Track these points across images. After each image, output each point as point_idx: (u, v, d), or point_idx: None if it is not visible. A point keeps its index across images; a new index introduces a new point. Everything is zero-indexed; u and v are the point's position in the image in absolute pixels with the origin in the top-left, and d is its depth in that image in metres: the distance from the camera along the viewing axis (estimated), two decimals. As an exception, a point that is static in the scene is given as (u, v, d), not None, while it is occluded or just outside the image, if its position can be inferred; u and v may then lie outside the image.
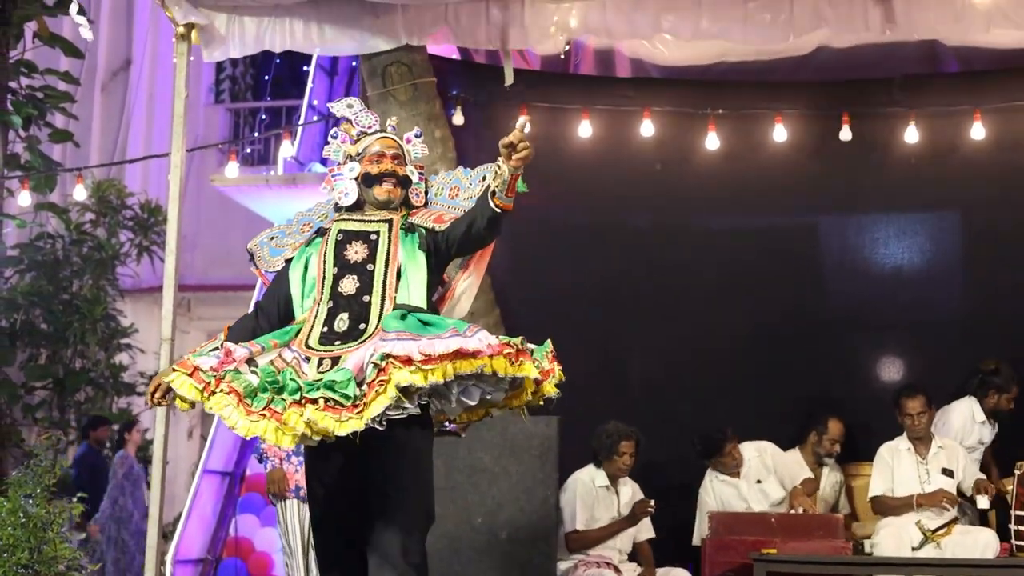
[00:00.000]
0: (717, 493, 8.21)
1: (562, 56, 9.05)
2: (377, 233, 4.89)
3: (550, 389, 4.59)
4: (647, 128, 8.94)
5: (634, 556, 8.08)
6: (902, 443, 8.06)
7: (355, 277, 4.77)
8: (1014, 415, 8.32)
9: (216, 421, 10.65)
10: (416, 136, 5.14)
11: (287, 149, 10.80)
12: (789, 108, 8.98)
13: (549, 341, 4.65)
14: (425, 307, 4.72)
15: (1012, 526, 7.74)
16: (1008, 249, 8.88)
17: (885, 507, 8.00)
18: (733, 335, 8.97)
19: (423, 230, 4.90)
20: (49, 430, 11.52)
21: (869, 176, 9.05)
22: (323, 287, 4.80)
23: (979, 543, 7.75)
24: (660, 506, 8.10)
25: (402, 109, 8.62)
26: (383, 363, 4.29)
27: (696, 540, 8.15)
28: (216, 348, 4.70)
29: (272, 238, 5.22)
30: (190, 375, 4.52)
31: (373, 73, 8.64)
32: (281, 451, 7.13)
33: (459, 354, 4.29)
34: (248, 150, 15.28)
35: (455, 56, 9.29)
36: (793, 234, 9.33)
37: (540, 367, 4.54)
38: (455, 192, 5.11)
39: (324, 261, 4.85)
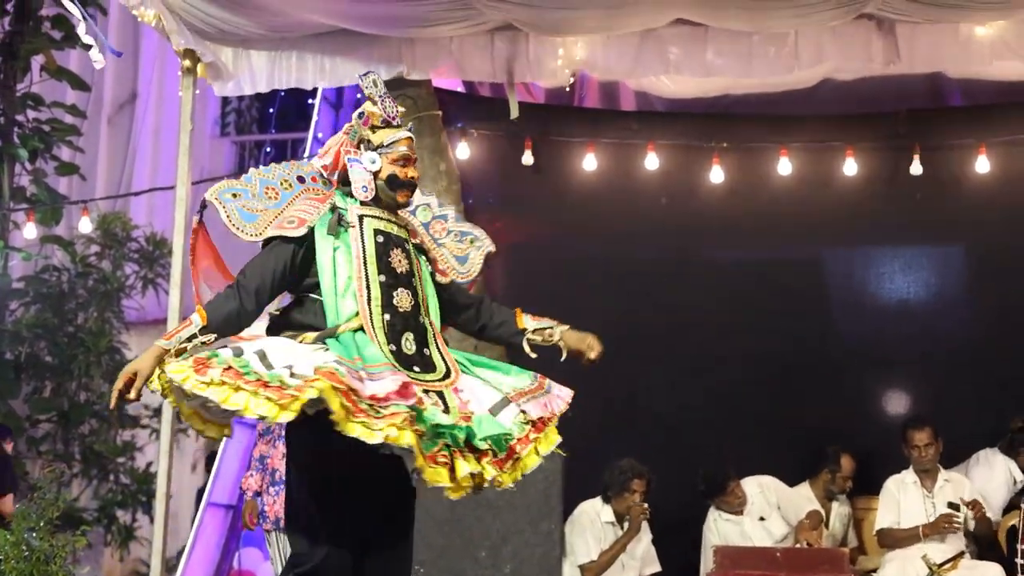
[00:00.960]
0: (721, 532, 8.17)
1: (567, 89, 9.06)
2: (407, 242, 4.51)
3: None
4: (652, 161, 8.94)
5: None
6: (908, 476, 8.04)
7: (409, 293, 4.38)
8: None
9: (221, 454, 10.61)
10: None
11: (292, 182, 10.78)
12: (794, 141, 8.99)
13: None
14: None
15: (1019, 560, 7.69)
16: (1014, 283, 8.86)
17: (891, 539, 7.97)
18: (740, 368, 8.95)
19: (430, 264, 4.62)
20: (53, 463, 11.48)
21: (874, 210, 9.04)
22: (369, 294, 4.30)
23: (986, 577, 7.73)
24: (666, 541, 8.09)
25: (407, 142, 8.62)
26: (536, 421, 4.28)
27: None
28: (194, 336, 4.13)
29: (235, 195, 4.46)
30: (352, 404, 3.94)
31: (378, 106, 8.64)
32: (255, 484, 7.21)
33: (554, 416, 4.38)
34: (254, 183, 15.29)
35: (460, 89, 9.30)
36: (799, 267, 9.31)
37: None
38: (440, 230, 4.78)
39: (365, 263, 4.34)
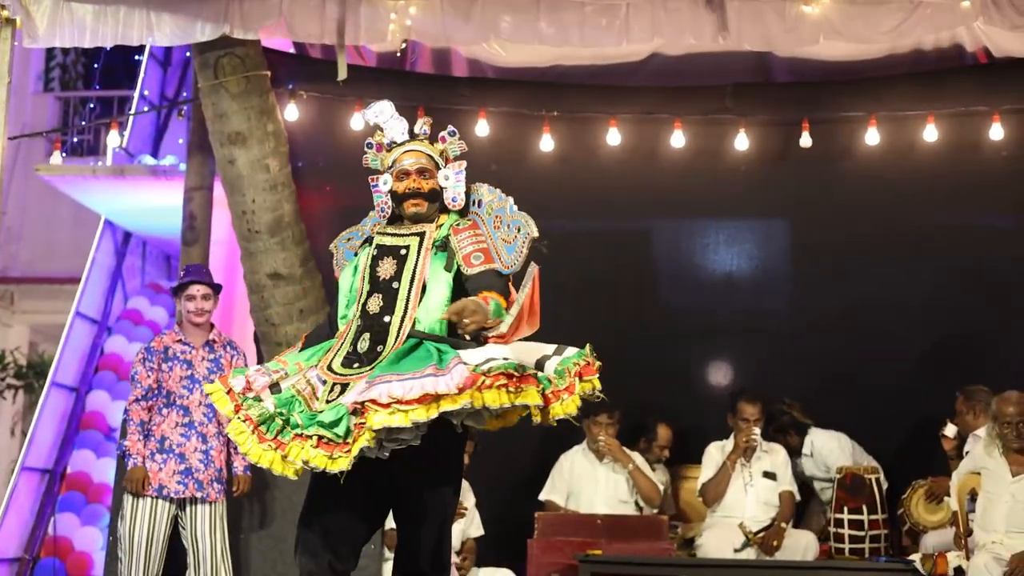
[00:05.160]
0: (576, 466, 8.35)
1: (398, 54, 8.99)
2: (407, 248, 4.80)
3: (558, 412, 4.69)
4: (482, 128, 8.93)
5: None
6: (730, 444, 8.17)
7: (380, 296, 4.70)
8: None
9: (36, 418, 10.37)
10: (450, 135, 5.08)
11: (115, 139, 10.51)
12: (623, 112, 9.03)
13: (588, 347, 4.89)
14: (443, 326, 4.63)
15: (831, 528, 7.91)
16: (834, 257, 9.05)
17: (710, 490, 8.13)
18: (564, 338, 8.96)
19: (454, 257, 4.80)
20: None
21: (700, 182, 9.14)
22: (359, 304, 4.75)
23: (799, 545, 7.93)
24: (499, 502, 8.27)
25: (234, 101, 8.49)
26: (362, 406, 4.29)
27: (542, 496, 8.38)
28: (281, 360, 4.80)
29: (348, 239, 5.18)
30: (227, 393, 4.66)
31: (205, 65, 8.49)
32: (144, 449, 6.99)
33: (429, 397, 4.25)
34: (76, 140, 14.89)
35: (290, 50, 9.17)
36: (627, 238, 9.39)
37: (552, 389, 4.72)
38: (498, 223, 5.04)
39: (363, 277, 4.80)
